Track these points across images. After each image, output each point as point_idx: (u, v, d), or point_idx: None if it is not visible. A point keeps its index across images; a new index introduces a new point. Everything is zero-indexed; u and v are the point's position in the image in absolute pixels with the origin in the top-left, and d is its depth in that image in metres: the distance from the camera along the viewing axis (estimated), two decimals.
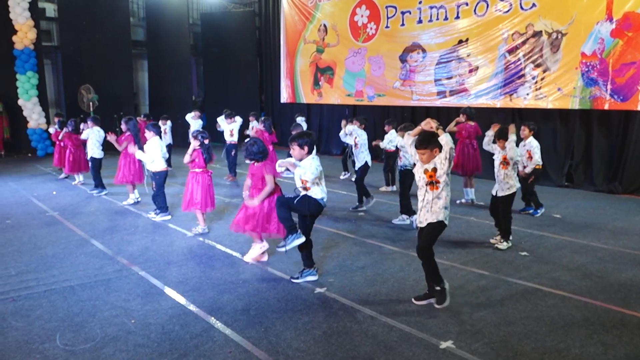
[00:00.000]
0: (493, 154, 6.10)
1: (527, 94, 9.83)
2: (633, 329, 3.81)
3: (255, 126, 10.69)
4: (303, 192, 4.62)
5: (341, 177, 10.62)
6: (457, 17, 10.83)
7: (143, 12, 16.92)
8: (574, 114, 9.61)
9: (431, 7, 11.27)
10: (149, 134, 7.17)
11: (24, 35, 13.46)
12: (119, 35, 15.26)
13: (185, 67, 16.46)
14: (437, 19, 11.20)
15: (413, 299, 4.29)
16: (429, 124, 4.14)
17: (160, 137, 8.09)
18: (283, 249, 4.60)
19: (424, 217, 4.17)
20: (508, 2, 9.96)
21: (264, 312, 4.10)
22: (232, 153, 10.46)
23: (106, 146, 8.91)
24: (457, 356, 3.41)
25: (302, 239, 4.58)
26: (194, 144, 6.28)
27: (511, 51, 10.01)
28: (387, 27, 12.36)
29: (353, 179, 9.00)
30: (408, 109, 12.52)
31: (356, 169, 7.80)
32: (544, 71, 9.56)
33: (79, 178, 9.88)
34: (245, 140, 5.65)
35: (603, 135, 9.41)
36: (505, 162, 5.80)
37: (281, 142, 13.66)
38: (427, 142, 4.07)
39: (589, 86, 8.97)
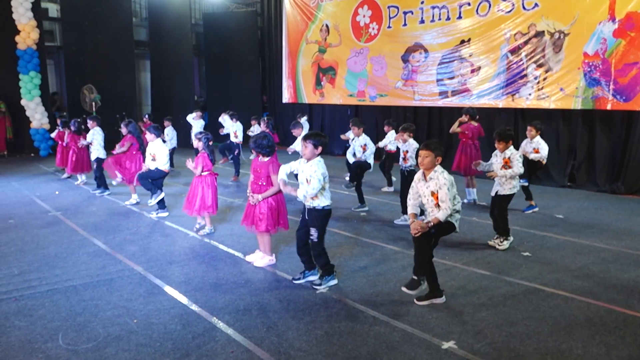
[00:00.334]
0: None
1: (530, 94, 9.81)
2: (636, 330, 3.80)
3: (257, 130, 10.55)
4: (308, 203, 4.58)
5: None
6: (460, 17, 10.81)
7: (145, 12, 16.95)
8: (576, 114, 9.59)
9: (433, 7, 11.25)
10: (150, 137, 7.18)
11: (27, 36, 13.49)
12: (121, 36, 15.27)
13: (187, 67, 16.48)
14: (440, 19, 11.19)
15: (415, 300, 4.29)
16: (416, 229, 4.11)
17: (164, 141, 8.13)
18: (319, 288, 4.60)
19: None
20: (510, 2, 9.94)
21: (266, 312, 4.11)
22: (236, 153, 10.48)
23: (108, 146, 8.95)
24: (459, 356, 3.41)
25: (336, 281, 4.69)
26: (198, 145, 6.30)
27: (513, 51, 10.00)
28: (389, 27, 12.36)
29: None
30: (410, 109, 12.52)
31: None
32: (546, 71, 9.55)
33: (82, 178, 9.90)
34: (255, 133, 5.65)
35: (605, 136, 9.39)
36: (507, 166, 5.80)
37: (283, 142, 13.68)
38: (433, 147, 4.12)
39: (592, 86, 8.95)
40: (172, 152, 10.88)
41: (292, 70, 15.34)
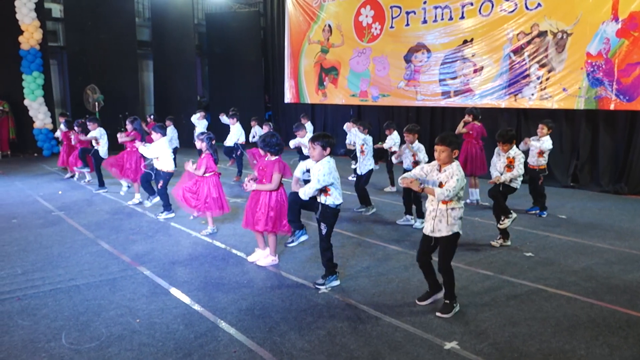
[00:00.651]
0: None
1: (532, 94, 9.79)
2: (639, 331, 3.79)
3: (258, 133, 10.34)
4: (321, 198, 4.60)
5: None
6: (462, 17, 10.80)
7: (148, 13, 16.96)
8: (579, 114, 9.57)
9: (436, 7, 11.24)
10: (155, 136, 7.22)
11: (30, 36, 13.52)
12: (124, 36, 15.29)
13: (190, 67, 16.48)
14: (442, 19, 11.18)
15: (416, 300, 4.28)
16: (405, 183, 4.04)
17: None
18: (321, 288, 4.60)
19: (436, 227, 4.01)
20: (513, 2, 9.92)
21: (269, 312, 4.11)
22: (238, 153, 10.48)
23: (110, 146, 9.02)
24: (462, 357, 3.41)
25: (338, 282, 4.68)
26: (201, 146, 6.31)
27: (516, 51, 9.98)
28: (391, 27, 12.35)
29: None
30: (413, 109, 12.50)
31: (361, 174, 7.50)
32: (549, 71, 9.53)
33: (88, 177, 9.98)
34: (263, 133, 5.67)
35: (609, 136, 9.37)
36: (511, 165, 5.79)
37: (285, 142, 13.63)
38: (449, 141, 3.94)
39: (595, 86, 8.93)
40: (175, 152, 10.88)
41: (294, 71, 15.34)
